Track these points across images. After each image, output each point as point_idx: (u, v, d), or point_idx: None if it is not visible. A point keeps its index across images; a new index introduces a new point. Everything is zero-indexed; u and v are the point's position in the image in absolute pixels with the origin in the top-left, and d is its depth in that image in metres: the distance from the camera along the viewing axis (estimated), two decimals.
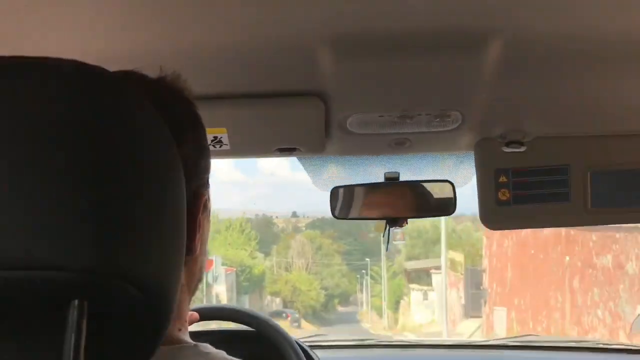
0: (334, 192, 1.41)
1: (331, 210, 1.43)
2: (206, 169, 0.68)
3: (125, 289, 0.41)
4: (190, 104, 0.67)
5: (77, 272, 0.39)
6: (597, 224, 1.25)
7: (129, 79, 0.64)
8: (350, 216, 1.43)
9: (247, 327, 1.53)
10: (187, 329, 0.67)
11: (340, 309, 39.19)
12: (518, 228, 1.31)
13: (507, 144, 1.21)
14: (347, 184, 1.43)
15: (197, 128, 0.67)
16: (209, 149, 0.69)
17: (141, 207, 0.43)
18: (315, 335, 2.15)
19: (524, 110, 1.15)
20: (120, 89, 0.46)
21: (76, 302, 0.41)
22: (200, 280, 0.71)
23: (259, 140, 1.18)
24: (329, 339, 2.14)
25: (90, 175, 0.41)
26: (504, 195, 1.24)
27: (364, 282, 36.25)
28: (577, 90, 1.07)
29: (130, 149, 0.44)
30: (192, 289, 0.69)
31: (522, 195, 1.24)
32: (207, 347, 0.61)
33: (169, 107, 0.62)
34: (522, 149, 1.21)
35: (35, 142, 0.40)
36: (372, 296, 34.08)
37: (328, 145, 1.22)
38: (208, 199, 0.68)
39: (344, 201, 1.42)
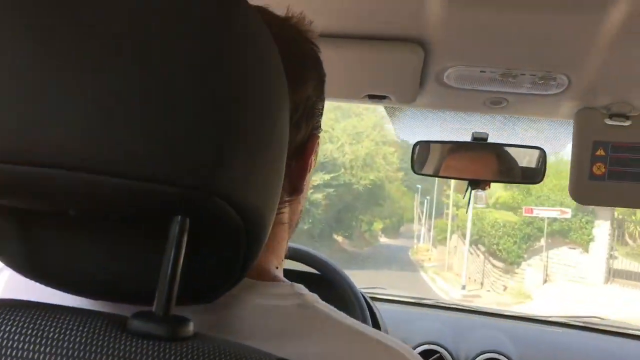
0: (417, 146, 1.38)
1: (411, 164, 1.40)
2: (321, 112, 0.69)
3: (226, 211, 0.41)
4: (313, 45, 0.67)
5: (183, 188, 0.39)
6: None
7: (259, 12, 0.64)
8: (431, 173, 1.40)
9: (314, 270, 1.55)
10: (282, 267, 0.67)
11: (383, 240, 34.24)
12: (609, 205, 1.25)
13: (611, 116, 1.14)
14: (433, 139, 1.39)
15: (319, 70, 0.67)
16: (324, 94, 0.69)
17: (253, 135, 0.43)
18: (375, 287, 2.16)
19: (634, 81, 1.07)
20: (251, 17, 0.45)
21: (179, 217, 0.41)
22: (299, 221, 0.71)
23: (351, 83, 1.16)
24: (387, 293, 2.14)
25: (211, 96, 0.40)
26: (599, 169, 1.18)
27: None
28: None
29: (251, 77, 0.43)
30: (292, 228, 0.69)
31: (618, 171, 1.17)
32: (302, 288, 0.61)
33: (293, 46, 0.63)
34: (627, 123, 1.14)
35: (159, 55, 0.39)
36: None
37: (420, 96, 1.19)
38: (319, 142, 0.68)
39: (427, 156, 1.39)
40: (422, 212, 33.56)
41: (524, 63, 1.02)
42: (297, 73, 0.61)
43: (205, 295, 0.49)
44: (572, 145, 1.20)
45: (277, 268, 0.64)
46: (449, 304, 2.15)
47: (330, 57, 1.08)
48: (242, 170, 0.42)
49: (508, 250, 21.11)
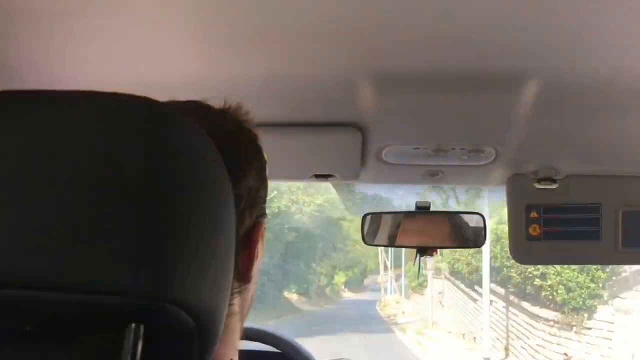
0: (366, 218, 1.44)
1: (362, 236, 1.46)
2: (265, 199, 0.69)
3: (179, 315, 0.43)
4: (253, 135, 0.69)
5: (136, 297, 0.41)
6: (627, 264, 1.25)
7: (196, 109, 0.67)
8: (380, 243, 1.46)
9: (272, 347, 1.56)
10: (237, 357, 0.67)
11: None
12: (548, 264, 1.33)
13: (539, 181, 1.23)
14: (379, 211, 1.46)
15: (260, 159, 0.68)
16: (267, 179, 0.70)
17: (198, 236, 0.45)
18: (340, 358, 2.15)
19: (557, 148, 1.17)
20: (184, 125, 0.48)
21: (133, 325, 0.42)
22: (249, 309, 0.71)
23: (297, 165, 1.22)
24: None
25: (149, 204, 0.43)
26: (534, 230, 1.26)
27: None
28: (610, 131, 1.09)
29: (192, 184, 0.46)
30: (243, 317, 0.70)
31: (553, 231, 1.25)
32: None
33: (231, 140, 0.64)
34: (554, 186, 1.23)
35: (93, 172, 0.42)
36: None
37: (363, 173, 1.26)
38: (264, 228, 0.69)
39: (375, 228, 1.45)
40: (387, 257, 28.05)
41: (453, 138, 1.10)
42: (238, 166, 0.62)
43: None
44: (507, 209, 1.28)
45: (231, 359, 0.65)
46: None
47: (274, 142, 1.15)
48: (192, 274, 0.44)
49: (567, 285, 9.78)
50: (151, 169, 0.44)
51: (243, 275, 0.65)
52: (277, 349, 1.54)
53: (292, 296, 24.08)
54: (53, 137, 0.43)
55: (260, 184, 0.67)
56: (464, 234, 1.40)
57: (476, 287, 13.39)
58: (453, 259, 14.63)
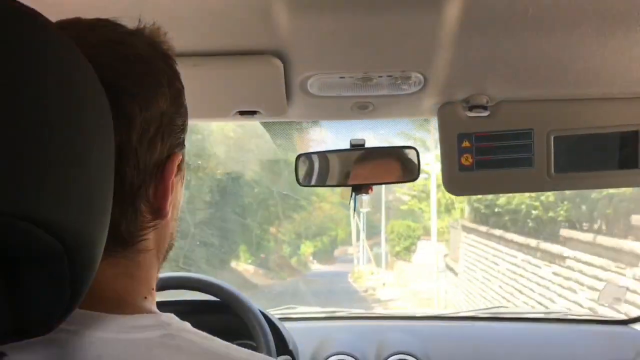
0: (299, 159, 1.40)
1: (296, 178, 1.41)
2: (183, 129, 0.65)
3: (34, 233, 0.39)
4: (167, 57, 0.64)
5: None
6: (560, 189, 1.24)
7: (103, 26, 0.61)
8: (314, 183, 1.42)
9: (213, 297, 1.53)
10: (154, 297, 0.64)
11: None
12: (481, 194, 1.31)
13: (470, 109, 1.20)
14: (312, 151, 1.41)
15: (174, 84, 0.64)
16: (186, 107, 0.66)
17: (59, 152, 0.41)
18: (286, 307, 2.15)
19: (487, 73, 1.14)
20: (47, 32, 0.44)
21: None
22: (171, 246, 0.68)
23: (218, 102, 1.16)
24: (298, 311, 2.13)
25: (3, 113, 0.38)
26: (466, 160, 1.23)
27: None
28: (540, 53, 1.06)
29: (51, 93, 0.42)
30: (161, 254, 0.66)
31: (485, 160, 1.23)
32: (171, 318, 0.58)
33: (146, 59, 0.60)
34: (486, 113, 1.21)
35: None
36: None
37: (290, 108, 1.20)
38: (183, 160, 0.65)
39: (309, 168, 1.41)
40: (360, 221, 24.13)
41: (379, 65, 1.05)
42: (146, 89, 0.59)
43: (36, 328, 0.46)
44: (440, 139, 1.25)
45: (145, 298, 0.61)
46: (359, 314, 2.17)
47: (191, 76, 1.08)
48: (46, 191, 0.40)
49: None
50: (11, 79, 0.39)
51: (157, 209, 0.61)
52: (220, 299, 1.51)
53: (243, 266, 18.20)
54: None
55: (176, 111, 0.63)
56: (398, 170, 1.37)
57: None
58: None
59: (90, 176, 0.45)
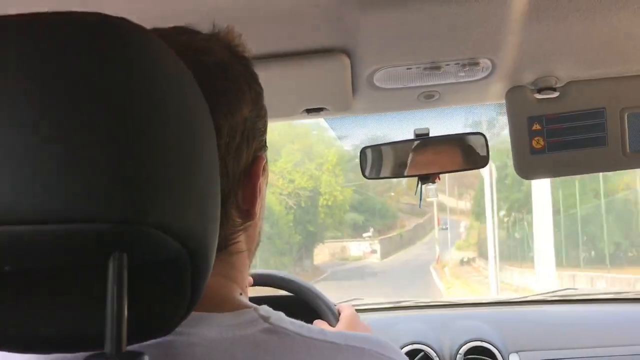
0: (364, 153, 1.40)
1: (361, 171, 1.42)
2: (264, 131, 0.65)
3: (162, 239, 0.41)
4: (245, 60, 0.64)
5: (114, 223, 0.39)
6: (637, 167, 1.21)
7: (182, 34, 0.62)
8: (381, 175, 1.42)
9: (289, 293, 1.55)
10: (247, 293, 0.66)
11: None
12: (554, 176, 1.28)
13: (539, 91, 1.18)
14: (376, 143, 1.41)
15: (253, 87, 0.63)
16: (265, 109, 0.66)
17: (174, 162, 0.43)
18: (354, 299, 2.16)
19: (555, 54, 1.11)
20: (145, 41, 0.45)
21: (116, 253, 0.41)
22: (258, 244, 0.69)
23: (286, 101, 1.17)
24: (366, 302, 2.14)
25: (116, 129, 0.40)
26: (538, 143, 1.21)
27: None
28: (608, 30, 1.04)
29: (157, 103, 0.43)
30: (251, 253, 0.68)
31: (557, 142, 1.21)
32: (268, 311, 0.59)
33: (226, 65, 0.60)
34: (555, 94, 1.18)
35: (58, 97, 0.40)
36: None
37: (355, 103, 1.21)
38: (266, 162, 0.65)
39: (374, 161, 1.41)
40: None
41: (446, 53, 1.05)
42: (229, 97, 0.59)
43: (157, 329, 0.48)
44: (509, 124, 1.23)
45: (240, 294, 0.63)
46: (426, 303, 2.16)
47: (263, 77, 1.10)
48: (172, 198, 0.42)
49: None
50: (120, 91, 0.41)
51: (246, 212, 0.62)
52: (291, 292, 1.52)
53: None
54: (26, 66, 0.40)
55: (257, 115, 0.63)
56: (465, 157, 1.36)
57: None
58: None
59: (203, 181, 0.46)
